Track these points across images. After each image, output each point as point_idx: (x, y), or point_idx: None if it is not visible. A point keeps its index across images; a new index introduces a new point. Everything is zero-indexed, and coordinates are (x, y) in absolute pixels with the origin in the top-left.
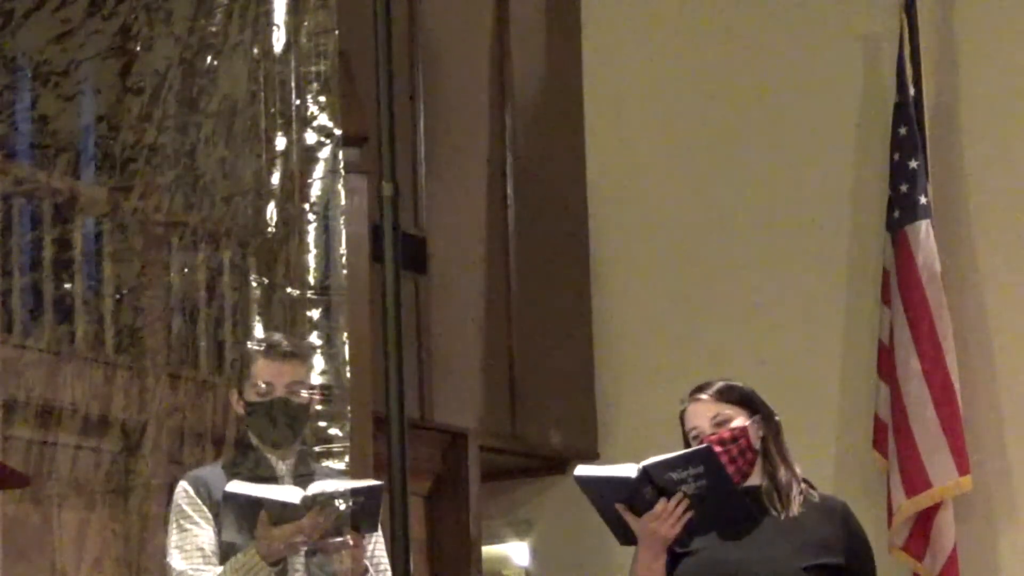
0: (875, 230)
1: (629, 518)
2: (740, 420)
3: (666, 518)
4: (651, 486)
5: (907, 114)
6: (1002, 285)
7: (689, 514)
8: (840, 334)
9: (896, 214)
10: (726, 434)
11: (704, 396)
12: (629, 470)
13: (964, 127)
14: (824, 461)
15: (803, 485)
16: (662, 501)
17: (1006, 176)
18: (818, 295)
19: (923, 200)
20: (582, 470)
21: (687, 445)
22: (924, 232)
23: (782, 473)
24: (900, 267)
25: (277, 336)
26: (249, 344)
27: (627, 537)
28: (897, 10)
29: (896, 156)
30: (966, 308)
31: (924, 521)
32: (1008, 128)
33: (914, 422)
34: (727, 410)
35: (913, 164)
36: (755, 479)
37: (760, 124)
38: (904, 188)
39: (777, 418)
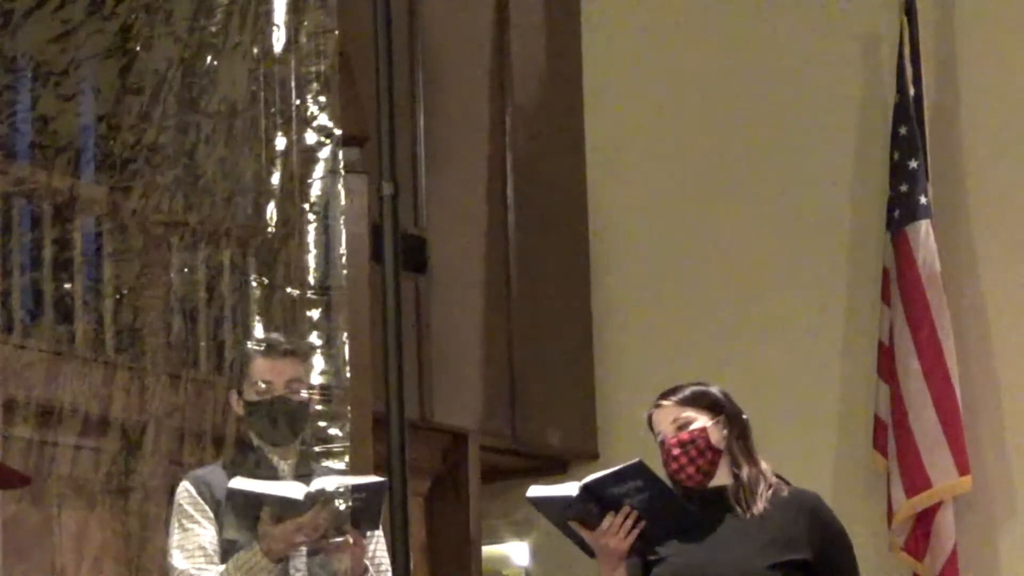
0: (875, 230)
1: (584, 533)
2: (701, 422)
3: (615, 532)
4: (595, 503)
5: (907, 114)
6: (1002, 285)
7: (641, 525)
8: (840, 334)
9: (896, 214)
10: (685, 436)
11: (666, 402)
12: (572, 488)
13: (964, 127)
14: (824, 461)
15: (773, 480)
16: (609, 516)
17: (1006, 176)
18: (818, 295)
19: (923, 200)
20: (533, 491)
21: (660, 448)
22: (924, 232)
23: (746, 471)
24: (900, 267)
25: (275, 335)
26: (247, 344)
27: (591, 550)
28: (897, 10)
29: (896, 156)
30: (966, 308)
31: (924, 521)
32: (1008, 128)
33: (914, 422)
34: (688, 413)
35: (913, 164)
36: (722, 479)
37: (760, 123)
38: (904, 188)
39: (744, 416)
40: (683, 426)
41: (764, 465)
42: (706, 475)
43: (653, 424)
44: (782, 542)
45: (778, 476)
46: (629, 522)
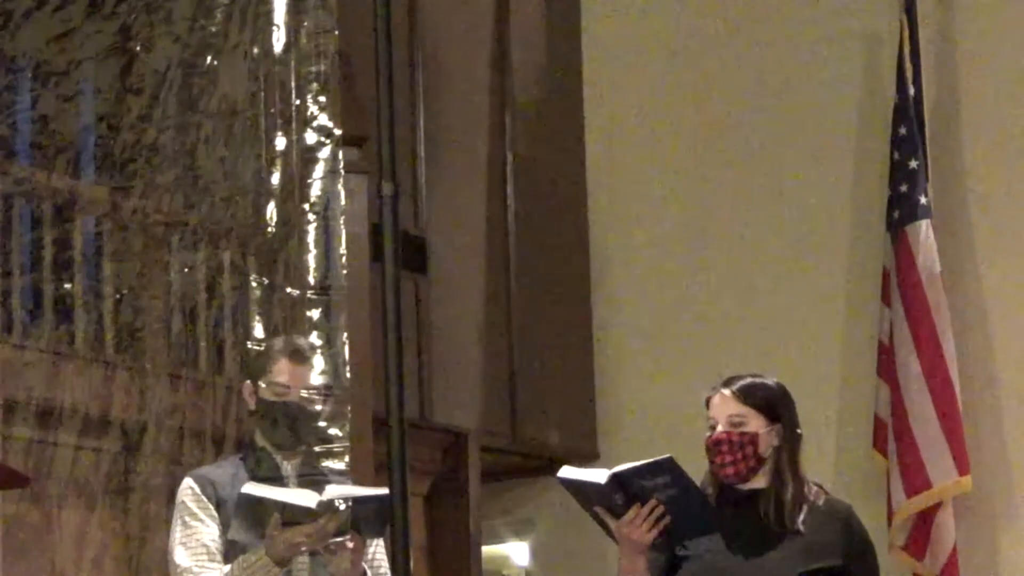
0: (875, 230)
1: (608, 520)
2: (755, 425)
3: (638, 524)
4: (622, 492)
5: (907, 114)
6: (1002, 285)
7: (665, 520)
8: (840, 334)
9: (896, 214)
10: (735, 436)
11: (727, 392)
12: (601, 476)
13: (964, 127)
14: (824, 461)
15: (815, 487)
16: (634, 507)
17: (1006, 176)
18: (818, 295)
19: (923, 200)
20: (565, 472)
21: (708, 430)
22: (924, 232)
23: (790, 488)
24: (900, 267)
25: (302, 340)
26: (274, 342)
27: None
28: (897, 10)
29: (896, 156)
30: (966, 308)
31: (924, 521)
32: (1008, 128)
33: (914, 422)
34: (744, 410)
35: (913, 164)
36: (760, 482)
37: (760, 123)
38: (904, 188)
39: (799, 431)
40: (737, 424)
41: (808, 479)
42: (744, 478)
43: (710, 407)
44: (815, 550)
45: (817, 484)
46: (654, 516)
